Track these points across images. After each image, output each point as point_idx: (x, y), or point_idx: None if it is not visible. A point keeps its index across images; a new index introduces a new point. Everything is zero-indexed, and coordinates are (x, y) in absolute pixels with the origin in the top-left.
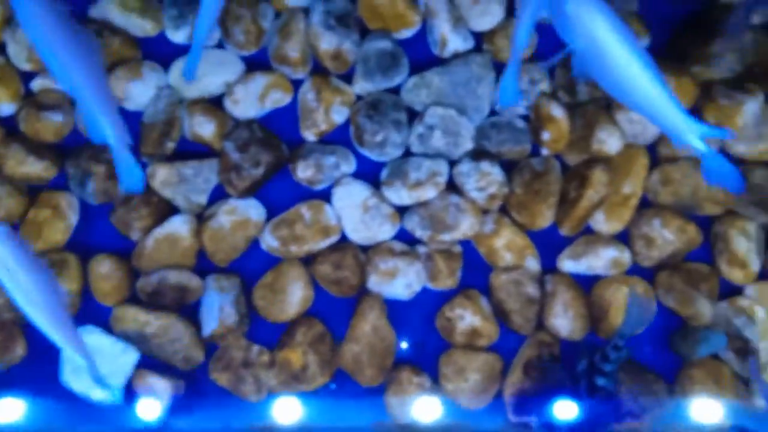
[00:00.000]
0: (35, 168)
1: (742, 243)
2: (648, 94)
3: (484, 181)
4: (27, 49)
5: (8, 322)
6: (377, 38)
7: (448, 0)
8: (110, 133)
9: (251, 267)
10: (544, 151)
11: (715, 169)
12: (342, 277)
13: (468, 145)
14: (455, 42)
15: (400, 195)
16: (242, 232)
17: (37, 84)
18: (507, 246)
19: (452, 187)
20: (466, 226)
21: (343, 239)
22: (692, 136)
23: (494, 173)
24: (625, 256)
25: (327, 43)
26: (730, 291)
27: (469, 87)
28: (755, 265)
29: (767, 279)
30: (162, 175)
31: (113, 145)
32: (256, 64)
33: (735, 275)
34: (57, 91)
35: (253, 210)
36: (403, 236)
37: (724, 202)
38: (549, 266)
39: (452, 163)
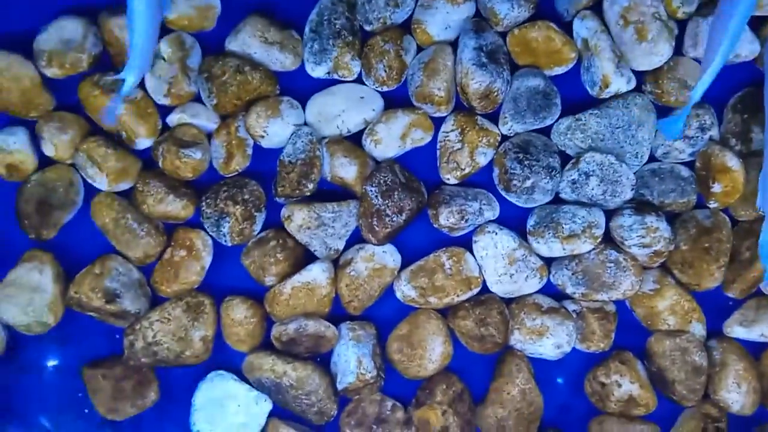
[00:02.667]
0: (174, 207)
1: None
2: None
3: (650, 237)
4: (166, 83)
5: (144, 366)
6: (528, 75)
7: (610, 37)
8: None
9: (383, 315)
10: (712, 204)
11: None
12: (487, 334)
13: (627, 194)
14: (618, 83)
15: (550, 247)
16: (378, 279)
17: (174, 119)
18: (671, 308)
19: (607, 240)
20: (627, 285)
21: (483, 291)
22: None
23: (662, 229)
24: None
25: (478, 82)
26: None
27: (628, 131)
28: None
29: None
30: (300, 219)
31: None
32: (395, 100)
33: None
34: (194, 125)
35: (389, 257)
36: (549, 290)
37: None
38: (711, 330)
39: (607, 214)
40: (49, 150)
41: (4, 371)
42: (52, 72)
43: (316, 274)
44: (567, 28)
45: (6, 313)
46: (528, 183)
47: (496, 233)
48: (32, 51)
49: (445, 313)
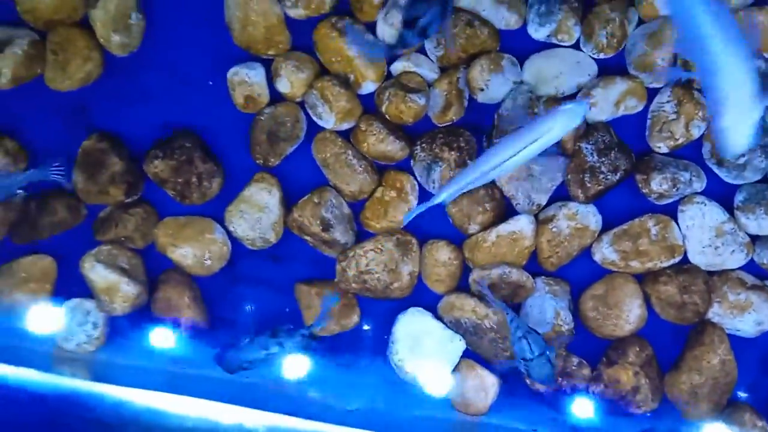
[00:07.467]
0: (393, 147)
1: None
2: None
3: None
4: (396, 30)
5: (351, 291)
6: None
7: None
8: None
9: (576, 276)
10: None
11: None
12: (689, 301)
13: None
14: None
15: (760, 224)
16: (579, 239)
17: (399, 67)
18: None
19: None
20: None
21: (683, 261)
22: None
23: None
24: None
25: None
26: None
27: None
28: None
29: None
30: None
31: None
32: (609, 68)
33: None
34: (418, 74)
35: (592, 218)
36: (748, 269)
37: None
38: None
39: None
40: (284, 86)
41: (223, 281)
42: (296, 12)
43: (523, 225)
44: None
45: (237, 227)
46: (742, 159)
47: (705, 204)
48: None
49: (639, 279)
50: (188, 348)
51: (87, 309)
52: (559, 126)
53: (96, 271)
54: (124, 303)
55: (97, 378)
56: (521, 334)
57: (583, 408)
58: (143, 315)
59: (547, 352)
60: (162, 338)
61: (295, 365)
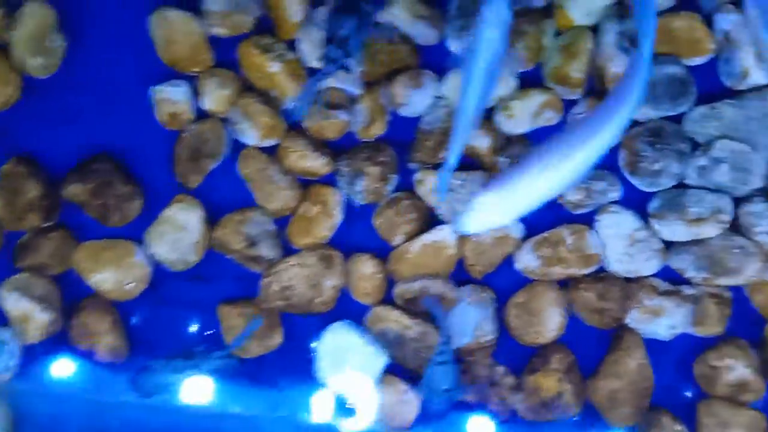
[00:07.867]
0: (315, 163)
1: None
2: None
3: None
4: (318, 49)
5: (276, 308)
6: (666, 63)
7: (751, 32)
8: None
9: (499, 284)
10: None
11: None
12: (606, 308)
13: (757, 183)
14: (757, 76)
15: (673, 230)
16: (501, 248)
17: (323, 83)
18: None
19: (732, 226)
20: (751, 272)
21: (601, 269)
22: None
23: None
24: None
25: (618, 65)
26: None
27: (763, 123)
28: None
29: None
30: (431, 183)
31: None
32: (528, 80)
33: None
34: (341, 90)
35: (513, 227)
36: (664, 274)
37: None
38: None
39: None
40: (208, 103)
41: (144, 305)
42: (219, 31)
43: (446, 234)
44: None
45: (157, 248)
46: (656, 166)
47: (619, 213)
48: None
49: (562, 285)
50: (107, 374)
51: (2, 338)
52: (493, 25)
53: (10, 300)
54: (37, 331)
55: (11, 405)
56: (443, 359)
57: (506, 417)
58: (60, 342)
59: (453, 392)
60: (77, 365)
61: (211, 387)
